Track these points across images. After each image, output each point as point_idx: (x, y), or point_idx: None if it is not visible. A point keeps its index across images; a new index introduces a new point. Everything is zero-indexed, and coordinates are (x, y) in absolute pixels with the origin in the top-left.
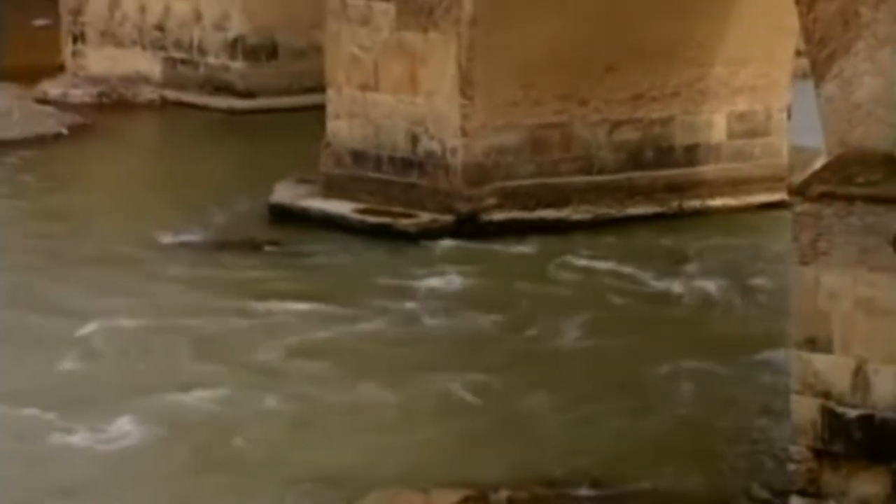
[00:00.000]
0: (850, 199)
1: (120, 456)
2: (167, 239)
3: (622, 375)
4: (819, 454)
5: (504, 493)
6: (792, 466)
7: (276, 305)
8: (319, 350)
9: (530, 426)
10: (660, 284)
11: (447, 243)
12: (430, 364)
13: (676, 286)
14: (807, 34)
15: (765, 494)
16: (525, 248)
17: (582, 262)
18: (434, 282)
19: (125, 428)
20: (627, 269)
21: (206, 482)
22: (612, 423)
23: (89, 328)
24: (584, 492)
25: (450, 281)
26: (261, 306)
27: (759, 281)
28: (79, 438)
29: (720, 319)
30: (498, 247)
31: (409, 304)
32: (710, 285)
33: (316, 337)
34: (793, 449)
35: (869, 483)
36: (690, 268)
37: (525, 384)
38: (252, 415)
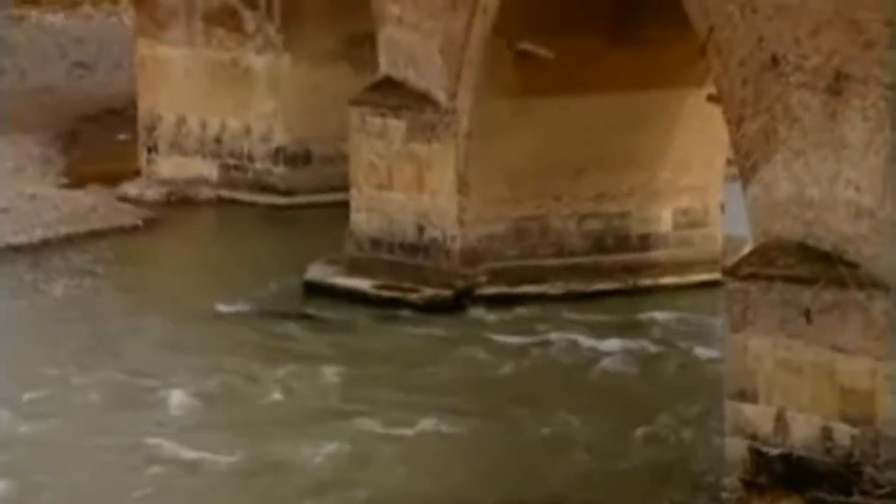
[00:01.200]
0: (771, 278)
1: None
2: (223, 308)
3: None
4: (748, 485)
5: None
6: (725, 495)
7: (310, 362)
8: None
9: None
10: (608, 345)
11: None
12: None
13: (622, 347)
14: (736, 147)
15: None
16: (507, 315)
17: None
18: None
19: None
20: (586, 335)
21: None
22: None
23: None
24: None
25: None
26: (298, 363)
27: (695, 348)
28: None
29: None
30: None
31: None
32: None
33: (334, 380)
34: (726, 481)
35: None
36: (639, 333)
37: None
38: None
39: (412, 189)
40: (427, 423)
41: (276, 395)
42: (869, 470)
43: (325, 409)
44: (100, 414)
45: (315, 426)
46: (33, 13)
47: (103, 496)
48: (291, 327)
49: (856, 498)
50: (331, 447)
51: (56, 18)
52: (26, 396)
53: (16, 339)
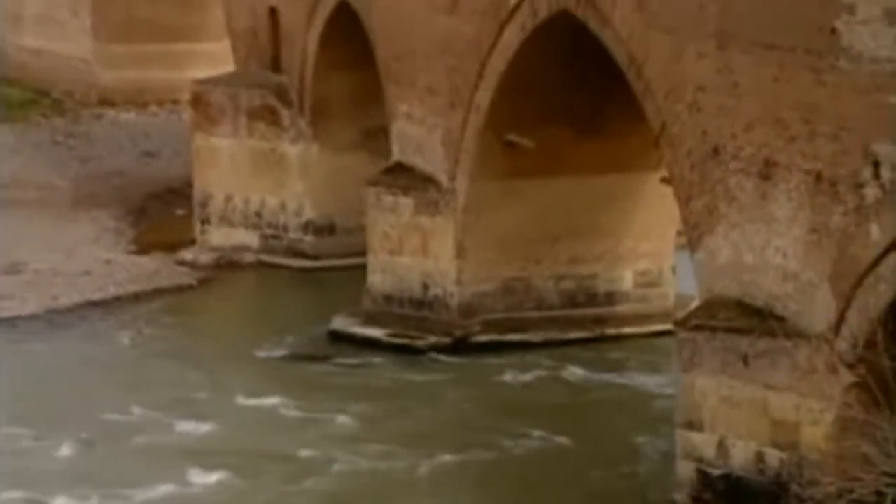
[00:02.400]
0: (714, 329)
1: None
2: (260, 353)
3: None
4: (695, 500)
5: None
6: None
7: (334, 396)
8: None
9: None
10: (581, 383)
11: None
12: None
13: (591, 384)
14: (685, 220)
15: None
16: (497, 359)
17: (541, 370)
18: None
19: None
20: (562, 374)
21: None
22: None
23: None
24: None
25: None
26: (323, 396)
27: (651, 386)
28: None
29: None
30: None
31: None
32: (615, 384)
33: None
34: (677, 496)
35: None
36: (605, 373)
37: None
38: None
39: (418, 254)
40: (431, 444)
41: (303, 421)
42: (795, 487)
43: (344, 434)
44: (145, 426)
45: (337, 446)
46: (110, 112)
47: None
48: (317, 368)
49: None
50: (353, 462)
51: (128, 116)
52: (107, 417)
53: (92, 376)
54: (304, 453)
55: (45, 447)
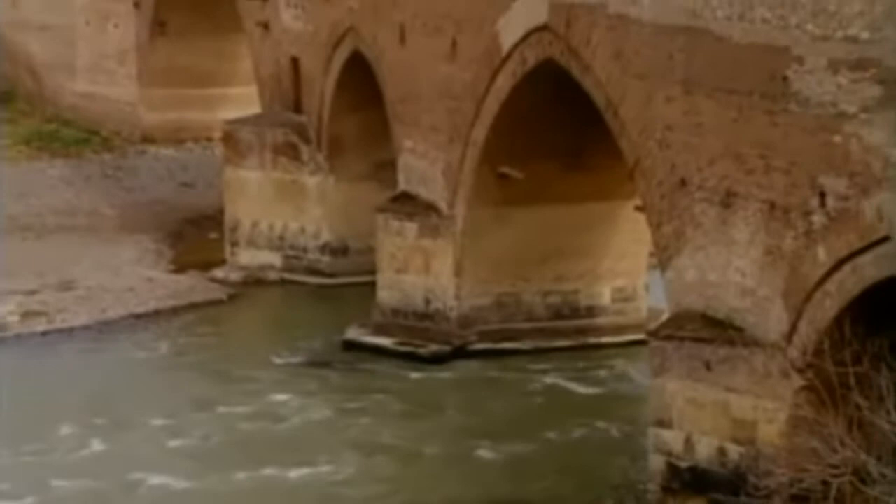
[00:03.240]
0: (681, 339)
1: None
2: (278, 360)
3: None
4: (665, 489)
5: None
6: (649, 496)
7: (347, 397)
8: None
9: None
10: (565, 385)
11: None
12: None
13: (574, 386)
14: (656, 243)
15: None
16: (491, 364)
17: (530, 374)
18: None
19: None
20: (550, 377)
21: None
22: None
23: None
24: None
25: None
26: (337, 398)
27: (626, 388)
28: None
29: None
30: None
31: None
32: (595, 387)
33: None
34: (650, 485)
35: None
36: (587, 377)
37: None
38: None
39: (421, 272)
40: (430, 438)
41: (318, 419)
42: (752, 478)
43: (358, 430)
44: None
45: (355, 441)
46: (152, 148)
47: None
48: (332, 373)
49: (742, 498)
50: (369, 454)
51: (168, 151)
52: (156, 422)
53: (133, 381)
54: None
55: (131, 434)
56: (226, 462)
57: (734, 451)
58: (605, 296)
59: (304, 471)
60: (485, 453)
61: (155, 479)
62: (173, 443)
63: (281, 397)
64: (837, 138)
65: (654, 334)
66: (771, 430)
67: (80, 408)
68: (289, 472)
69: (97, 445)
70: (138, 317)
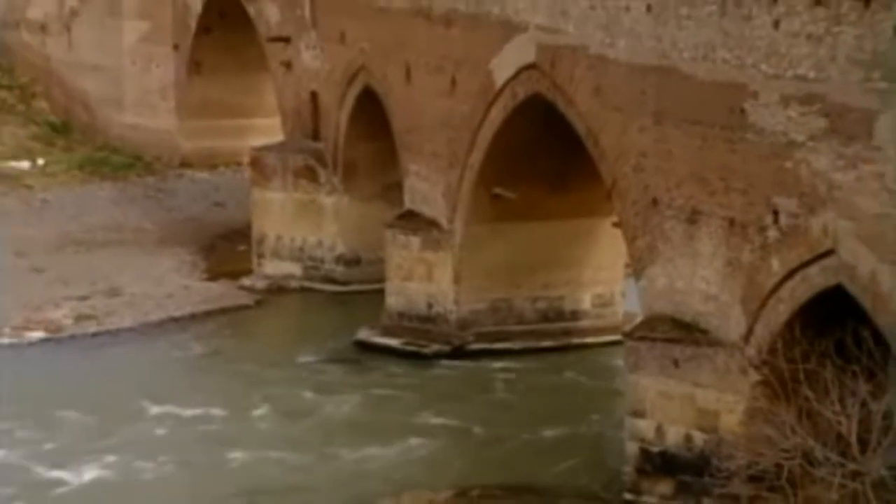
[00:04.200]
0: (653, 340)
1: None
2: (300, 358)
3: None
4: (639, 471)
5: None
6: (625, 477)
7: (359, 390)
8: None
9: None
10: (552, 380)
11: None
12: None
13: (559, 381)
14: (631, 255)
15: (607, 494)
16: (487, 362)
17: (522, 370)
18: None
19: None
20: (538, 373)
21: None
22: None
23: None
24: None
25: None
26: (351, 391)
27: (605, 382)
28: None
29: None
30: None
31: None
32: (578, 380)
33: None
34: (625, 468)
35: (663, 486)
36: (570, 372)
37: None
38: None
39: (424, 281)
40: (432, 424)
41: (335, 410)
42: (715, 461)
43: (369, 417)
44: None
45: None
46: (189, 172)
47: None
48: (345, 369)
49: (706, 479)
50: (384, 444)
51: (203, 175)
52: (187, 413)
53: (170, 378)
54: (337, 432)
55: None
56: (274, 442)
57: (699, 437)
58: (586, 301)
59: (358, 453)
60: (480, 434)
61: (246, 455)
62: (228, 428)
63: (305, 391)
64: (789, 164)
65: (629, 335)
66: (731, 420)
67: (135, 396)
68: (340, 452)
69: (159, 430)
70: (176, 320)
